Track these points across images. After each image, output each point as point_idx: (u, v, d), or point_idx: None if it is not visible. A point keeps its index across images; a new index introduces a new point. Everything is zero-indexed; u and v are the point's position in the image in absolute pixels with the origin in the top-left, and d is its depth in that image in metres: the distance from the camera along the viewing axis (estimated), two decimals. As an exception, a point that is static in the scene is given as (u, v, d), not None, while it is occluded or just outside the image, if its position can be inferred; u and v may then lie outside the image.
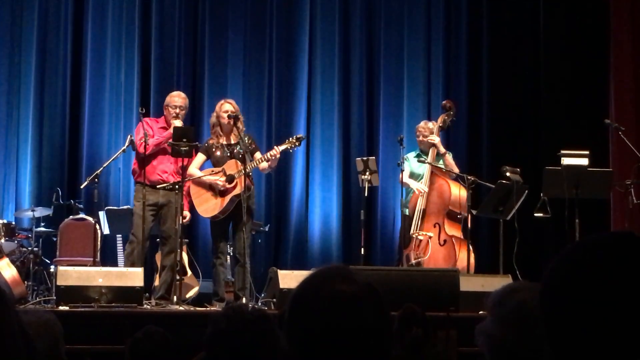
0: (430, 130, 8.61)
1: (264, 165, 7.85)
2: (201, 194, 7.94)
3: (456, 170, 8.58)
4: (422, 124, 8.79)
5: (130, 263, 7.68)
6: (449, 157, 8.62)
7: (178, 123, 7.94)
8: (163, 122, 8.13)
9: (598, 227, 8.75)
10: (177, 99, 8.12)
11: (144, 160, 7.84)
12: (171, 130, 7.84)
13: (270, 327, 2.64)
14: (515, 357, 2.07)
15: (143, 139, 7.76)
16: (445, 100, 9.01)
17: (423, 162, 8.52)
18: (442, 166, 8.53)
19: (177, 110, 8.02)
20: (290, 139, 7.97)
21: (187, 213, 8.05)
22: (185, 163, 7.78)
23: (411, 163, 8.62)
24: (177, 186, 7.81)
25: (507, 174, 8.00)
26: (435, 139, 8.51)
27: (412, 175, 8.57)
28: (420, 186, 8.45)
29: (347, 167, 10.40)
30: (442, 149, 8.59)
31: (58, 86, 10.36)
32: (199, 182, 7.95)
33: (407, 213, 8.55)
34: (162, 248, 8.01)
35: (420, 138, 8.64)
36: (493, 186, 8.17)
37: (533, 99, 10.59)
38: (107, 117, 10.30)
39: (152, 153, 7.90)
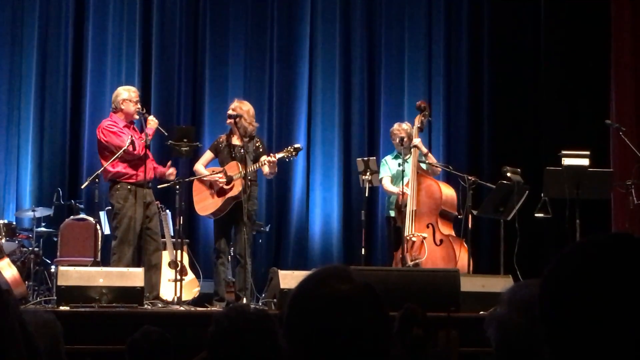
0: (405, 131, 8.54)
1: (266, 170, 7.85)
2: (201, 192, 7.97)
3: (439, 168, 8.63)
4: (395, 126, 8.71)
5: (125, 265, 7.52)
6: (432, 156, 8.66)
7: (153, 119, 7.81)
8: (120, 119, 7.80)
9: (599, 228, 8.75)
10: (134, 94, 7.88)
11: (139, 160, 7.74)
12: (152, 127, 7.74)
13: (272, 327, 2.64)
14: (526, 343, 2.07)
15: (144, 139, 7.70)
16: (420, 101, 8.94)
17: (423, 162, 8.51)
18: (426, 166, 8.54)
19: (138, 106, 7.80)
20: (288, 148, 7.96)
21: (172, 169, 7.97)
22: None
23: (390, 165, 8.60)
24: (177, 186, 7.80)
25: (508, 174, 8.00)
26: (416, 141, 8.48)
27: (394, 177, 8.55)
28: (403, 189, 8.39)
29: (348, 167, 10.40)
30: (424, 149, 8.58)
31: (59, 86, 10.36)
32: (201, 180, 7.97)
33: (393, 215, 8.54)
34: (148, 247, 7.75)
35: (397, 140, 8.58)
36: (494, 186, 8.17)
37: (534, 99, 10.59)
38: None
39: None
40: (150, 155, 7.96)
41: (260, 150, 7.98)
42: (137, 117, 7.78)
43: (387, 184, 8.59)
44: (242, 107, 7.95)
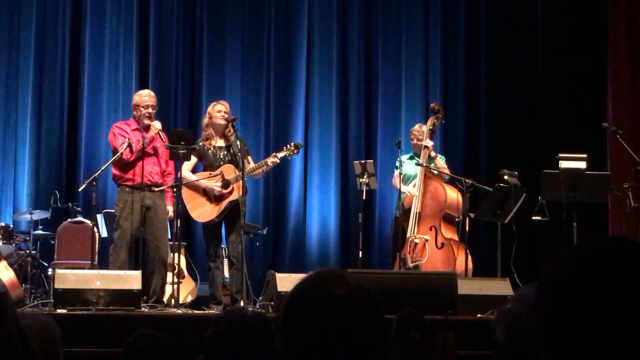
0: (423, 133, 8.62)
1: (258, 170, 7.84)
2: (195, 198, 7.88)
3: (447, 172, 8.62)
4: (416, 127, 8.81)
5: (117, 269, 7.54)
6: (440, 161, 8.67)
7: (157, 125, 7.81)
8: (134, 123, 7.90)
9: (596, 230, 8.75)
10: (147, 98, 7.93)
11: (131, 163, 7.75)
12: (152, 132, 7.74)
13: (269, 330, 2.64)
14: (534, 343, 2.08)
15: (141, 142, 7.71)
16: (434, 103, 9.01)
17: (420, 165, 8.51)
18: (434, 169, 8.55)
19: (150, 110, 7.85)
20: (289, 146, 7.95)
21: (170, 208, 7.95)
22: (167, 166, 7.88)
23: (405, 166, 8.63)
24: (174, 189, 7.78)
25: (505, 177, 8.00)
26: (429, 143, 8.52)
27: (404, 177, 8.57)
28: (411, 190, 8.43)
29: (345, 170, 10.40)
30: (433, 153, 8.62)
31: (56, 89, 10.36)
32: (192, 186, 7.89)
33: (397, 215, 8.55)
34: (150, 252, 7.81)
35: (415, 141, 8.66)
36: (491, 189, 8.17)
37: (531, 102, 10.60)
38: (105, 120, 10.30)
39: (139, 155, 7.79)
40: (160, 160, 7.94)
41: (245, 149, 7.96)
42: (147, 121, 7.83)
43: (396, 181, 8.60)
44: (229, 109, 7.99)
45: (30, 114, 10.22)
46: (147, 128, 7.85)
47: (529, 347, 2.10)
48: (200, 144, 7.95)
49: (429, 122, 8.69)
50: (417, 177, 8.47)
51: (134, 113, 7.92)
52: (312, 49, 10.72)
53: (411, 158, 8.65)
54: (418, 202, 8.39)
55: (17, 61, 10.30)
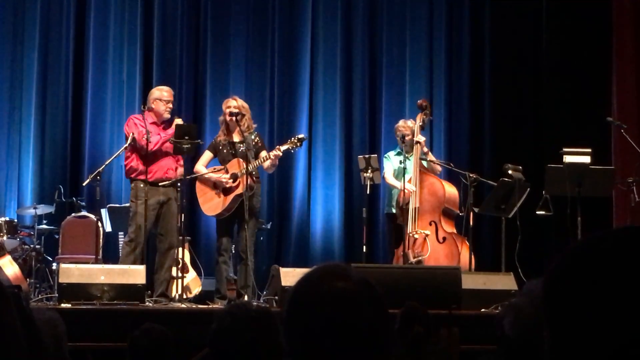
0: (410, 128, 8.56)
1: (267, 164, 7.86)
2: (205, 192, 7.96)
3: (440, 164, 8.64)
4: (401, 122, 8.73)
5: (130, 263, 7.59)
6: (431, 154, 8.69)
7: (179, 122, 7.87)
8: (152, 117, 7.96)
9: (600, 225, 8.74)
10: (167, 93, 8.02)
11: (147, 157, 7.80)
12: (173, 127, 7.80)
13: (273, 324, 2.64)
14: (539, 336, 2.08)
15: (145, 136, 7.72)
16: (421, 100, 8.95)
17: (423, 159, 8.51)
18: (427, 164, 8.55)
19: (170, 105, 7.95)
20: (292, 139, 7.97)
21: None
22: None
23: (392, 161, 8.61)
24: (178, 183, 7.79)
25: (509, 171, 8.00)
26: (422, 138, 8.49)
27: (395, 173, 8.55)
28: (408, 186, 8.38)
29: (349, 164, 10.40)
30: (426, 148, 8.60)
31: (60, 83, 10.36)
32: (203, 180, 7.97)
33: (394, 211, 8.54)
34: (160, 246, 7.89)
35: (400, 137, 8.58)
36: (495, 184, 8.17)
37: (535, 97, 10.59)
38: (109, 115, 10.31)
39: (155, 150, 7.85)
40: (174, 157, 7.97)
41: (259, 145, 8.00)
42: (167, 116, 7.90)
43: (390, 178, 8.58)
44: (244, 105, 8.01)
45: (34, 109, 10.23)
46: (167, 122, 7.94)
47: (535, 340, 2.10)
48: (218, 139, 8.01)
49: (418, 118, 8.61)
50: (412, 172, 8.41)
51: (154, 107, 7.96)
52: (316, 44, 10.71)
53: (398, 154, 8.59)
54: (416, 198, 8.36)
55: (21, 55, 10.30)
